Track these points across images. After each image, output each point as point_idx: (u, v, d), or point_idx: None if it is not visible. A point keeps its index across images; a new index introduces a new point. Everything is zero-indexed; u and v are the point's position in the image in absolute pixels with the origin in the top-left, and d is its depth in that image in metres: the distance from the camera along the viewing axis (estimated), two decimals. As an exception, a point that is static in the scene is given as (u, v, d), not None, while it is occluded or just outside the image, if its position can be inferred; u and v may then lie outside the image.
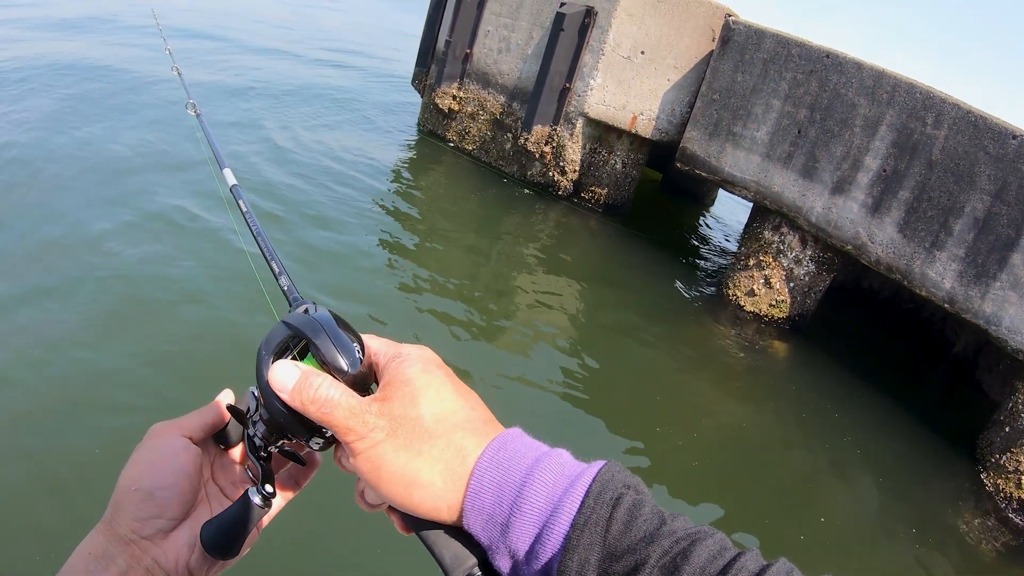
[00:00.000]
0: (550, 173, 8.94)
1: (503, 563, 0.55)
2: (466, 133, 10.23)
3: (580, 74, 8.40)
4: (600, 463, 0.56)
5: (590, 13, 8.23)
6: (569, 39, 8.36)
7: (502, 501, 0.54)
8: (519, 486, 0.54)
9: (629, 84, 8.24)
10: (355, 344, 0.64)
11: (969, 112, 5.51)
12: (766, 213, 7.11)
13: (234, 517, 0.67)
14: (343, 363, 0.62)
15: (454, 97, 10.28)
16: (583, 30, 8.29)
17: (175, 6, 16.77)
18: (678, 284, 7.85)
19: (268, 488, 0.69)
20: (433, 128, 10.91)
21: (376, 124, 11.32)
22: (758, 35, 7.06)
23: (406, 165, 9.88)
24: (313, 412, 0.59)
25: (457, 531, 0.58)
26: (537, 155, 8.90)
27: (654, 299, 7.24)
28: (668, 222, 10.88)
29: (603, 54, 8.16)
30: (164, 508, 0.65)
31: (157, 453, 0.68)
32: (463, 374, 4.47)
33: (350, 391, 0.60)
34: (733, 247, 10.46)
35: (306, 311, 0.67)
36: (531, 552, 0.53)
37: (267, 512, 0.70)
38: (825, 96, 6.51)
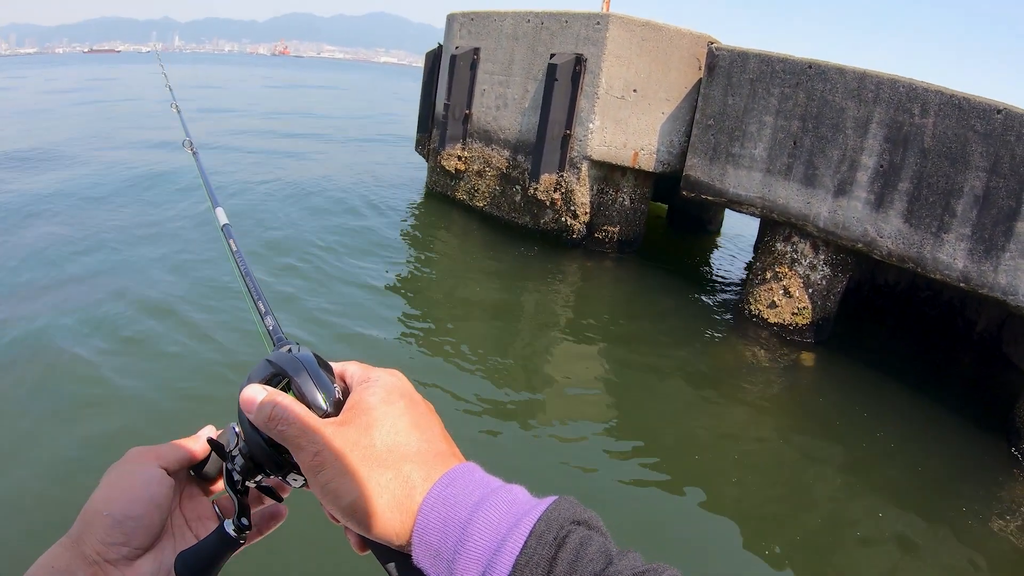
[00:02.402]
0: (563, 219, 9.43)
1: None
2: (475, 191, 10.83)
3: (579, 119, 8.98)
4: (550, 499, 0.57)
5: (580, 60, 8.88)
6: (563, 87, 8.98)
7: (447, 538, 0.55)
8: (464, 523, 0.55)
9: (626, 122, 8.80)
10: (335, 385, 0.69)
11: (953, 96, 5.91)
12: (775, 225, 7.47)
13: (209, 548, 0.71)
14: (321, 401, 0.66)
15: (459, 157, 10.93)
16: (576, 77, 8.92)
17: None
18: (699, 311, 8.19)
19: (244, 521, 0.73)
20: (443, 190, 11.55)
21: (386, 192, 12.02)
22: (742, 57, 7.60)
23: (421, 229, 10.47)
24: (272, 429, 0.63)
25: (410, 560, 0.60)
26: (548, 203, 9.41)
27: (679, 329, 7.55)
28: (680, 253, 11.32)
29: (598, 97, 8.76)
30: (131, 537, 0.68)
31: (132, 480, 0.71)
32: (497, 428, 4.85)
33: (309, 412, 0.64)
34: (745, 268, 10.82)
35: (289, 350, 0.72)
36: None
37: (242, 545, 0.73)
38: (814, 105, 6.97)
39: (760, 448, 5.42)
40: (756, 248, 11.65)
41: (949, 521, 4.76)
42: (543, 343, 6.82)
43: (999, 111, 5.60)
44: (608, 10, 10.28)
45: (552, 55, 9.24)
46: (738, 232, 13.29)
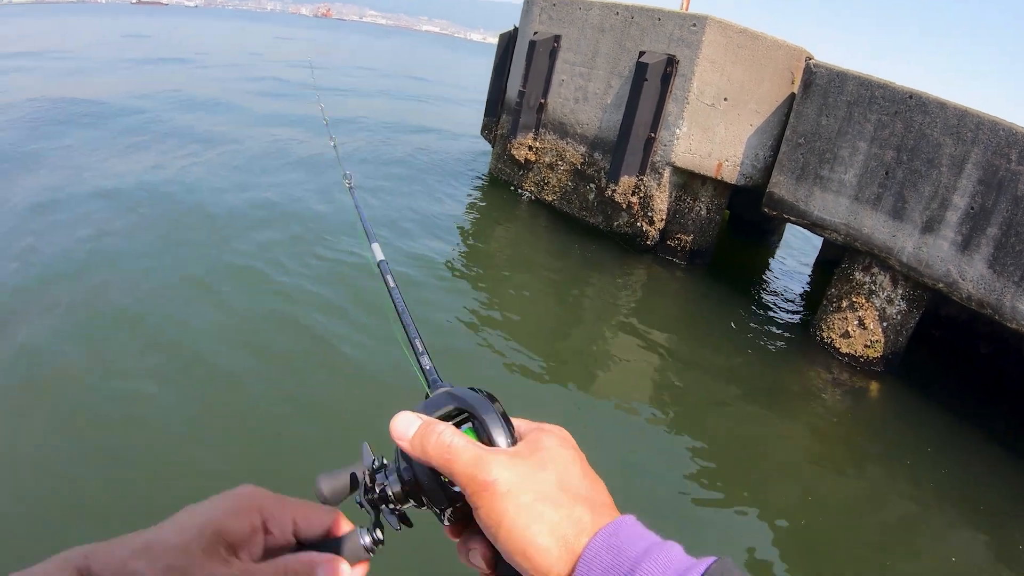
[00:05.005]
0: (638, 223, 10.35)
1: None
2: (545, 183, 11.78)
3: (665, 123, 9.87)
4: (711, 559, 0.63)
5: (672, 62, 9.74)
6: (652, 88, 9.85)
7: None
8: (627, 574, 0.63)
9: (714, 131, 9.68)
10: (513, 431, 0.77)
11: (1050, 148, 6.73)
12: (855, 254, 8.33)
13: (334, 549, 0.77)
14: (503, 441, 0.75)
15: (530, 148, 11.87)
16: (666, 79, 9.79)
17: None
18: (766, 330, 9.08)
19: (379, 534, 0.79)
20: (508, 178, 12.51)
21: (446, 175, 13.04)
22: (840, 78, 8.43)
23: (482, 216, 11.45)
24: (435, 457, 0.72)
25: None
26: (624, 205, 10.32)
27: (745, 347, 8.46)
28: (747, 265, 12.34)
29: (687, 102, 9.63)
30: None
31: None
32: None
33: (474, 441, 0.73)
34: (806, 285, 11.87)
35: (472, 389, 0.80)
36: None
37: (368, 559, 0.78)
38: (911, 137, 7.79)
39: (821, 473, 6.31)
40: (819, 265, 12.80)
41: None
42: (601, 347, 7.73)
43: (1094, 168, 6.42)
44: (688, 8, 11.15)
45: (642, 53, 10.11)
46: (799, 244, 14.35)
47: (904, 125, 7.87)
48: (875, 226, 8.10)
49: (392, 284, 1.13)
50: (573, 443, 0.78)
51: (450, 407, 0.78)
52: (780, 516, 5.52)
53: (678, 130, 9.75)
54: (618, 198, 10.31)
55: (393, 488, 0.77)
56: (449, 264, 9.00)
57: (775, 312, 9.97)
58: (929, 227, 7.63)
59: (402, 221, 10.08)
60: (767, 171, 9.58)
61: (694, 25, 9.56)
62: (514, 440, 0.76)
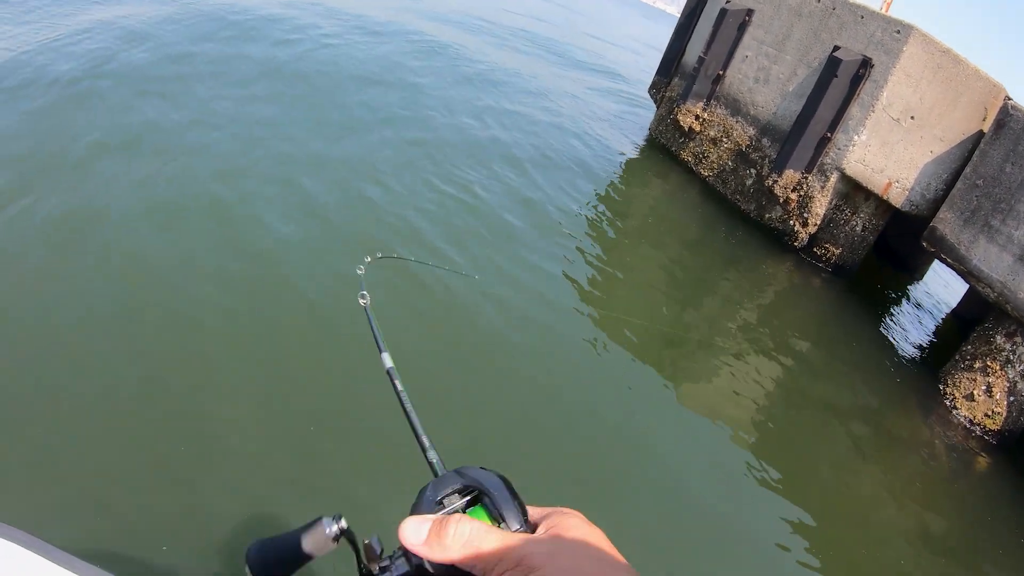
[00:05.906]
0: (791, 221, 10.45)
1: None
2: (704, 157, 11.92)
3: (844, 126, 9.80)
4: None
5: (866, 64, 9.59)
6: (840, 87, 9.77)
7: None
8: None
9: (892, 148, 9.57)
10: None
11: None
12: (1003, 317, 8.27)
13: (289, 541, 0.82)
14: (515, 519, 0.76)
15: (697, 117, 11.99)
16: (856, 80, 9.67)
17: None
18: (890, 362, 9.19)
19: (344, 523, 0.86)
20: (666, 143, 12.69)
21: (602, 123, 13.29)
22: (1038, 129, 8.19)
23: (629, 175, 11.79)
24: (458, 552, 0.71)
25: None
26: (782, 200, 10.41)
27: (866, 374, 8.64)
28: (885, 291, 12.25)
29: (873, 110, 9.52)
30: None
31: None
32: (638, 406, 6.19)
33: (489, 524, 0.75)
34: (937, 332, 11.72)
35: (483, 468, 0.83)
36: None
37: (331, 548, 0.86)
38: (1097, 213, 7.59)
39: (913, 536, 6.54)
40: (954, 316, 12.64)
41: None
42: (719, 335, 7.99)
43: None
44: (888, 10, 10.80)
45: (836, 47, 9.98)
46: (943, 286, 14.10)
47: (1093, 197, 7.66)
48: (1032, 293, 8.01)
49: (400, 388, 1.22)
50: (592, 524, 0.79)
51: (457, 485, 0.81)
52: (846, 555, 5.67)
53: (856, 137, 9.67)
54: (777, 190, 10.39)
55: (399, 572, 0.80)
56: (578, 207, 9.38)
57: (903, 349, 9.99)
58: (1088, 312, 7.52)
59: (548, 152, 10.54)
60: (935, 204, 9.46)
61: (898, 32, 9.34)
62: (527, 521, 0.78)
